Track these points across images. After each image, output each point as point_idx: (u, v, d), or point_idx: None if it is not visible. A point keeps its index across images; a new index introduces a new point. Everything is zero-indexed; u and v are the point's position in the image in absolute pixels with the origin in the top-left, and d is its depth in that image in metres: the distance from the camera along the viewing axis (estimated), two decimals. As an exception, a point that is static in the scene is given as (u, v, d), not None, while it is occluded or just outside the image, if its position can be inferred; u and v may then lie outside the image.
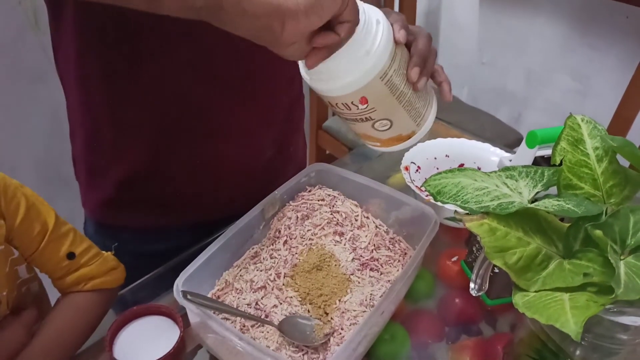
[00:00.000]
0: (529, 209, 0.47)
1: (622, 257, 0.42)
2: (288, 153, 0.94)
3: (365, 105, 0.58)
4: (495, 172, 0.52)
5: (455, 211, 0.48)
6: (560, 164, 0.50)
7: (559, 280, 0.42)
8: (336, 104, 0.59)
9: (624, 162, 0.50)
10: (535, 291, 0.43)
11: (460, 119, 1.63)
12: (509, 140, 1.60)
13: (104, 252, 0.71)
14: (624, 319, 0.42)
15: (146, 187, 0.82)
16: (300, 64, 0.59)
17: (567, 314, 0.38)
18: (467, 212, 0.48)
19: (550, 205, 0.46)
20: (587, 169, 0.48)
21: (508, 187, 0.50)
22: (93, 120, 0.80)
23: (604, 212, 0.44)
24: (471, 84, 1.92)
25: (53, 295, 0.74)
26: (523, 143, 0.67)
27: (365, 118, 0.60)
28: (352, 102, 0.57)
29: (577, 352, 0.48)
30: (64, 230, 0.67)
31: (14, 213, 0.62)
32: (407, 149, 0.92)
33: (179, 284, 0.64)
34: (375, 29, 0.54)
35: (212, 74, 0.74)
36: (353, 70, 0.54)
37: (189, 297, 0.62)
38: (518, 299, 0.42)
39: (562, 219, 0.48)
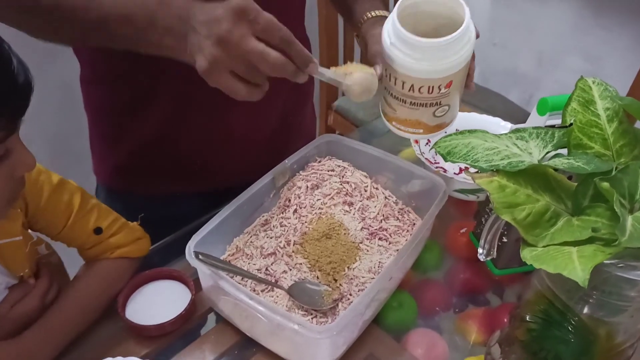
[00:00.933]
0: (538, 167, 0.47)
1: (630, 213, 0.42)
2: (295, 123, 0.94)
3: (447, 90, 0.62)
4: (505, 134, 0.53)
5: (466, 169, 0.49)
6: (571, 126, 0.50)
7: (567, 235, 0.43)
8: (420, 87, 0.62)
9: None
10: (544, 246, 0.43)
11: (471, 98, 1.62)
12: (519, 120, 1.59)
13: (130, 222, 0.72)
14: (632, 274, 0.43)
15: (157, 155, 0.83)
16: (389, 34, 0.61)
17: (574, 262, 0.39)
18: (477, 170, 0.48)
19: (560, 163, 0.46)
20: (598, 129, 0.48)
21: (518, 147, 0.50)
22: (107, 89, 0.80)
23: (613, 170, 0.44)
24: (482, 65, 1.91)
25: (70, 267, 0.75)
26: (534, 111, 0.67)
27: (436, 103, 0.64)
28: (439, 86, 0.61)
29: (585, 310, 0.48)
30: (89, 206, 0.69)
31: (38, 194, 0.63)
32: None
33: (191, 246, 0.65)
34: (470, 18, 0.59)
35: None
36: (458, 54, 0.59)
37: (200, 257, 0.63)
38: (526, 253, 0.43)
39: (570, 178, 0.48)
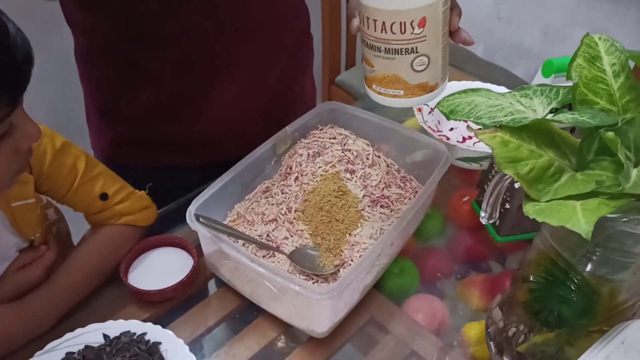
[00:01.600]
0: (542, 124, 0.47)
1: (635, 166, 0.41)
2: (294, 95, 0.93)
3: (421, 30, 0.60)
4: (509, 92, 0.52)
5: (468, 126, 0.48)
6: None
7: (571, 189, 0.42)
8: (392, 24, 0.60)
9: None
10: (547, 201, 0.43)
11: (475, 72, 1.61)
12: (523, 96, 1.57)
13: (137, 191, 0.72)
14: (637, 228, 0.42)
15: (153, 127, 0.83)
16: None
17: (578, 215, 0.38)
18: (480, 127, 0.47)
19: (564, 117, 0.45)
20: (603, 84, 0.47)
21: (522, 104, 0.50)
22: (103, 60, 0.79)
23: (619, 123, 0.43)
24: (487, 40, 1.88)
25: (77, 235, 0.75)
26: (539, 73, 0.66)
27: (411, 49, 0.62)
28: (411, 22, 0.59)
29: (588, 268, 0.48)
30: (95, 172, 0.68)
31: (41, 158, 0.63)
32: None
33: (191, 209, 0.65)
34: None
35: (213, 6, 0.74)
36: None
37: (201, 220, 0.63)
38: (529, 208, 0.42)
39: (572, 131, 0.47)
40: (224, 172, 0.72)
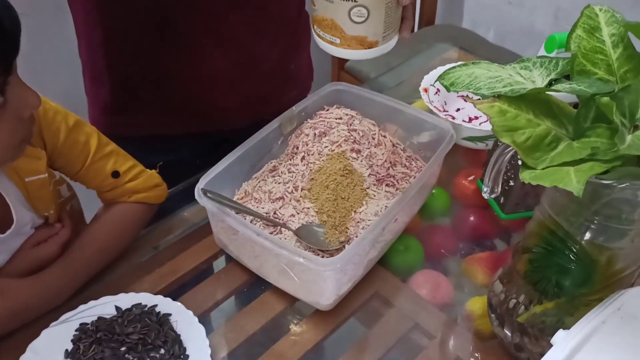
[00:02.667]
0: (540, 93, 0.47)
1: (630, 133, 0.42)
2: (289, 70, 0.94)
3: None
4: (510, 64, 0.52)
5: (466, 96, 0.49)
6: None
7: (567, 156, 0.43)
8: None
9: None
10: (543, 168, 0.44)
11: (485, 57, 1.60)
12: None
13: (148, 170, 0.74)
14: (635, 194, 0.43)
15: (141, 91, 0.84)
16: None
17: (570, 176, 0.39)
18: (479, 98, 0.48)
19: (561, 87, 0.46)
20: (602, 55, 0.48)
21: (521, 76, 0.50)
22: (89, 25, 0.81)
23: (615, 91, 0.44)
24: (498, 24, 1.87)
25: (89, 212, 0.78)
26: (541, 48, 0.66)
27: None
28: None
29: (586, 237, 0.49)
30: (107, 150, 0.70)
31: (55, 135, 0.65)
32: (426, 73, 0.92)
33: (199, 186, 0.67)
34: None
35: None
36: None
37: (209, 195, 0.64)
38: (525, 174, 0.43)
39: (575, 107, 0.48)
40: (218, 145, 0.73)
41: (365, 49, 0.62)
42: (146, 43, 0.80)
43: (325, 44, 0.64)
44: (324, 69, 1.83)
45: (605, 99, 0.40)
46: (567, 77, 0.50)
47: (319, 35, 0.65)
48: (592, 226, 0.48)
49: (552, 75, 0.50)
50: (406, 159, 0.82)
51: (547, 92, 0.48)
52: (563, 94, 0.47)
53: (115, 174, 0.69)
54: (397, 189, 0.77)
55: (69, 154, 0.67)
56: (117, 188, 0.71)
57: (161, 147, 0.86)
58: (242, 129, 0.76)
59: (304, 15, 0.95)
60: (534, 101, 0.47)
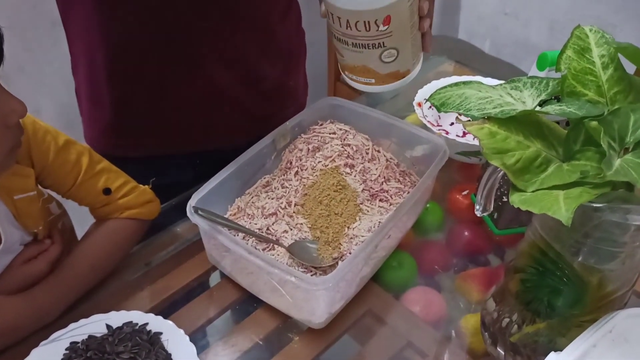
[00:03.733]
0: (530, 115, 0.47)
1: (620, 155, 0.42)
2: (288, 87, 0.94)
3: (386, 27, 0.60)
4: (500, 84, 0.52)
5: (457, 117, 0.49)
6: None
7: (557, 179, 0.43)
8: (356, 23, 0.59)
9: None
10: (533, 191, 0.43)
11: (481, 68, 1.60)
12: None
13: (141, 185, 0.74)
14: (624, 217, 0.43)
15: (141, 113, 0.84)
16: None
17: (559, 203, 0.39)
18: (469, 119, 0.48)
19: (551, 109, 0.46)
20: (592, 76, 0.48)
21: (512, 97, 0.50)
22: (89, 45, 0.81)
23: (604, 114, 0.44)
24: (494, 36, 1.88)
25: (81, 229, 0.77)
26: (534, 66, 0.66)
27: (378, 44, 0.61)
28: (375, 21, 0.58)
29: (578, 258, 0.48)
30: (98, 168, 0.70)
31: (44, 155, 0.65)
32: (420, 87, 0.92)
33: (191, 203, 0.67)
34: None
35: None
36: None
37: (200, 213, 0.64)
38: (515, 198, 0.43)
39: (567, 125, 0.48)
40: (217, 166, 0.73)
41: (399, 79, 0.65)
42: (150, 64, 0.80)
43: (360, 85, 0.66)
44: (321, 80, 1.83)
45: (594, 122, 0.40)
46: (558, 98, 0.50)
47: (352, 79, 0.66)
48: (583, 248, 0.48)
49: (543, 96, 0.50)
50: (400, 174, 0.81)
51: (537, 113, 0.48)
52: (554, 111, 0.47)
53: (107, 191, 0.69)
54: (390, 204, 0.77)
55: (59, 173, 0.66)
56: (109, 204, 0.70)
57: (160, 167, 0.86)
58: (243, 147, 0.76)
59: (300, 32, 0.95)
60: (524, 122, 0.47)
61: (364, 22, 0.59)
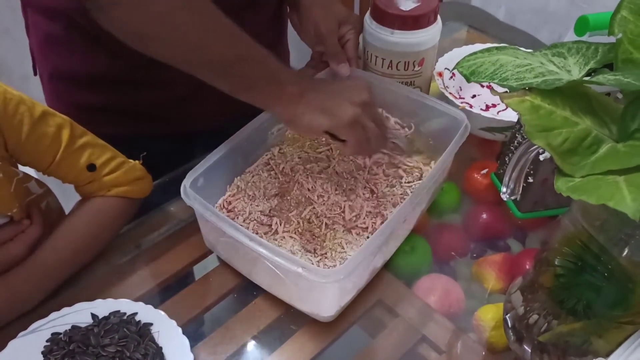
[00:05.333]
0: (578, 86, 0.40)
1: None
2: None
3: (419, 68, 0.76)
4: (540, 50, 0.45)
5: (492, 89, 0.42)
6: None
7: (612, 163, 0.36)
8: (397, 63, 0.75)
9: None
10: (582, 176, 0.37)
11: (497, 37, 1.52)
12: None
13: (131, 160, 0.67)
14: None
15: (115, 91, 0.76)
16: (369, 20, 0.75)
17: (622, 191, 0.32)
18: (506, 90, 0.41)
19: (604, 79, 0.38)
20: (653, 40, 0.41)
21: (555, 65, 0.43)
22: (58, 25, 0.72)
23: (673, 85, 0.37)
24: (509, 3, 1.78)
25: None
26: (571, 31, 0.59)
27: (409, 82, 0.78)
28: (413, 62, 0.75)
29: (625, 252, 0.42)
30: (81, 142, 0.63)
31: (17, 129, 0.58)
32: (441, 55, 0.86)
33: (186, 184, 0.60)
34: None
35: None
36: (429, 32, 0.74)
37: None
38: (561, 184, 0.36)
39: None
40: (205, 143, 0.66)
41: None
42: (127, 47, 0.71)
43: None
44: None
45: (666, 96, 0.33)
46: (609, 67, 0.43)
47: None
48: (632, 241, 0.42)
49: (591, 64, 0.43)
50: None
51: (586, 84, 0.41)
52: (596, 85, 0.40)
53: (91, 167, 0.63)
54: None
55: (36, 148, 0.59)
56: (94, 182, 0.64)
57: (145, 145, 0.78)
58: (225, 126, 0.69)
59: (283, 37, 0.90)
60: (571, 95, 0.40)
61: (405, 62, 0.75)
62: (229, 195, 0.69)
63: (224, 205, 0.67)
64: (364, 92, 0.61)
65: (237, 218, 0.65)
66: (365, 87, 0.62)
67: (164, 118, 0.80)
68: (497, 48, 0.46)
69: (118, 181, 0.65)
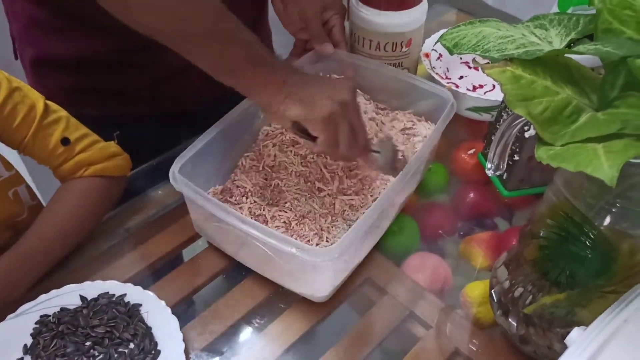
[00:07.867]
0: (559, 56, 0.41)
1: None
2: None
3: (407, 49, 0.77)
4: (523, 22, 0.45)
5: (474, 59, 0.42)
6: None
7: (591, 131, 0.36)
8: (385, 44, 0.75)
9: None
10: (562, 145, 0.37)
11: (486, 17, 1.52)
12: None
13: (104, 141, 0.67)
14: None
15: (94, 75, 0.76)
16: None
17: (600, 158, 0.33)
18: (488, 61, 0.41)
19: (584, 48, 0.39)
20: (631, 10, 0.41)
21: (536, 36, 0.43)
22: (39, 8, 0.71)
23: (651, 53, 0.37)
24: (498, -13, 1.78)
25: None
26: (554, 7, 0.59)
27: (397, 64, 0.78)
28: (401, 43, 0.75)
29: (606, 222, 0.43)
30: (55, 116, 0.63)
31: None
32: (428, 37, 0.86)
33: (175, 169, 0.59)
34: None
35: None
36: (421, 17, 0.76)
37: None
38: (542, 152, 0.37)
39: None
40: (198, 122, 0.65)
41: None
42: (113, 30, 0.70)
43: None
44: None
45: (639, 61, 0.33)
46: (590, 37, 0.43)
47: None
48: (614, 210, 0.42)
49: (572, 35, 0.43)
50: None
51: (567, 54, 0.41)
52: (581, 57, 0.40)
53: (65, 141, 0.62)
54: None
55: (8, 121, 0.59)
56: (69, 160, 0.63)
57: (125, 125, 0.77)
58: (209, 108, 0.68)
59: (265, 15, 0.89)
60: (552, 65, 0.40)
61: (393, 43, 0.75)
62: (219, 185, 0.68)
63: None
64: (347, 91, 0.59)
65: (230, 198, 0.65)
66: (349, 87, 0.60)
67: (150, 99, 0.79)
68: (479, 21, 0.46)
69: (93, 158, 0.65)
